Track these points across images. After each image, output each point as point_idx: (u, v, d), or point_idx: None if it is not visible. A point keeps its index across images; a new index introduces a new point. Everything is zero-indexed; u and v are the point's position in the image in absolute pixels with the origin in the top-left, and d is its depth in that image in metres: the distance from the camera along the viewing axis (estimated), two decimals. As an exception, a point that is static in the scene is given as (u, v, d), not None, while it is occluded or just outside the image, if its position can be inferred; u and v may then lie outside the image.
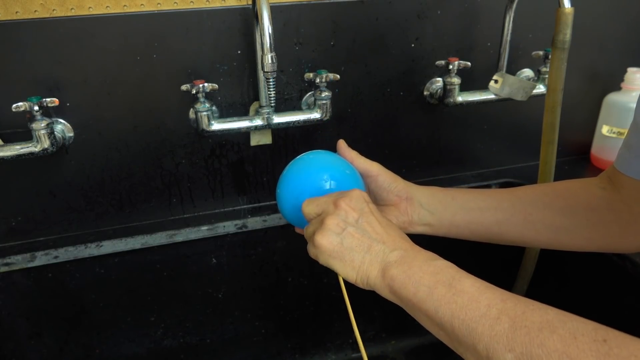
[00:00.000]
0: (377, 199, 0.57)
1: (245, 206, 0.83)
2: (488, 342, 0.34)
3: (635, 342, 0.29)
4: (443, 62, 0.78)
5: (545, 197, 0.54)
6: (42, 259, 0.73)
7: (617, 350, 0.29)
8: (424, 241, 0.47)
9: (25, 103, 0.62)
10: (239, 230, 0.80)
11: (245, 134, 0.77)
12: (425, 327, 0.41)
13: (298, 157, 0.56)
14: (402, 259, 0.42)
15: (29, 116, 0.64)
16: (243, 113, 0.75)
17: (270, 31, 0.57)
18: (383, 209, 0.57)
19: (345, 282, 0.47)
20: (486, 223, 0.55)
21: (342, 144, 0.56)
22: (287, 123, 0.73)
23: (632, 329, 0.31)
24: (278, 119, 0.73)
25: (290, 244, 0.84)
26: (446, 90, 0.79)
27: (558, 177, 0.69)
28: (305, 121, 0.74)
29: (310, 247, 0.49)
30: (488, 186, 0.90)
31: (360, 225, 0.45)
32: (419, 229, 0.56)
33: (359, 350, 0.97)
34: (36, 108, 0.63)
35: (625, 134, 0.47)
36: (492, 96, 0.81)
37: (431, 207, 0.56)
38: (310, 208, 0.49)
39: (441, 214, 0.56)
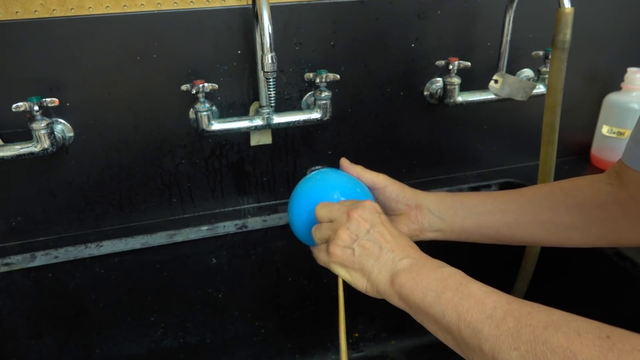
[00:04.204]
0: (386, 210, 0.58)
1: (245, 206, 0.83)
2: (494, 342, 0.34)
3: (638, 337, 0.30)
4: (443, 62, 0.78)
5: (553, 196, 0.54)
6: (42, 259, 0.73)
7: (620, 345, 0.29)
8: (425, 244, 0.47)
9: (25, 103, 0.62)
10: (239, 230, 0.80)
11: (245, 134, 0.77)
12: (432, 333, 0.41)
13: (306, 176, 0.57)
14: (411, 267, 0.43)
15: (29, 116, 0.64)
16: (243, 113, 0.75)
17: (270, 31, 0.57)
18: (393, 218, 0.57)
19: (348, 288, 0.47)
20: (496, 226, 0.55)
21: (345, 162, 0.57)
22: (287, 123, 0.73)
23: (633, 329, 0.31)
24: (278, 119, 0.73)
25: (290, 244, 0.84)
26: (446, 90, 0.79)
27: (558, 177, 0.69)
28: (305, 121, 0.74)
29: (321, 254, 0.49)
30: (488, 186, 0.90)
31: (372, 235, 0.46)
32: (430, 236, 0.57)
33: (359, 350, 0.97)
34: (36, 108, 0.63)
35: (633, 128, 0.47)
36: (492, 96, 0.81)
37: (441, 213, 0.56)
38: (323, 212, 0.50)
39: (451, 219, 0.56)
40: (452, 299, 0.38)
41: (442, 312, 0.39)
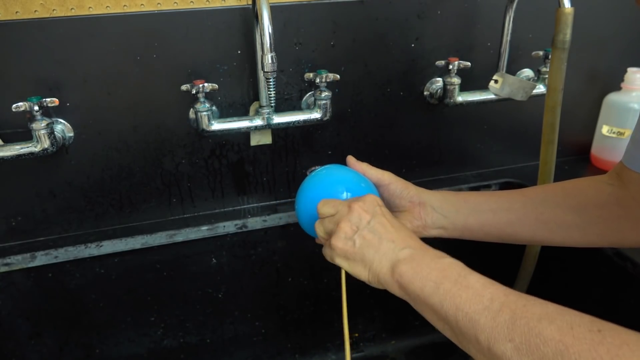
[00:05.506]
0: (390, 206, 0.59)
1: (245, 206, 0.83)
2: (489, 333, 0.35)
3: (627, 332, 0.31)
4: (443, 62, 0.78)
5: (555, 196, 0.54)
6: (42, 259, 0.73)
7: (611, 339, 0.30)
8: (427, 242, 0.47)
9: (25, 103, 0.62)
10: (239, 230, 0.80)
11: (245, 134, 0.77)
12: (430, 322, 0.42)
13: (313, 172, 0.58)
14: (411, 257, 0.43)
15: (29, 116, 0.64)
16: (243, 113, 0.75)
17: (270, 31, 0.57)
18: (397, 215, 0.58)
19: (349, 285, 0.48)
20: (499, 224, 0.56)
21: (351, 159, 0.58)
22: (287, 123, 0.73)
23: (633, 329, 0.32)
24: (278, 119, 0.73)
25: (290, 244, 0.84)
26: (446, 90, 0.79)
27: (558, 177, 0.69)
28: (305, 121, 0.74)
29: (325, 249, 0.50)
30: (488, 186, 0.90)
31: (372, 226, 0.46)
32: (434, 232, 0.58)
33: (359, 350, 0.97)
34: (36, 108, 0.63)
35: (633, 130, 0.48)
36: (492, 96, 0.81)
37: (444, 210, 0.57)
38: (325, 208, 0.51)
39: (454, 217, 0.57)
40: (450, 290, 0.39)
41: (440, 302, 0.39)
